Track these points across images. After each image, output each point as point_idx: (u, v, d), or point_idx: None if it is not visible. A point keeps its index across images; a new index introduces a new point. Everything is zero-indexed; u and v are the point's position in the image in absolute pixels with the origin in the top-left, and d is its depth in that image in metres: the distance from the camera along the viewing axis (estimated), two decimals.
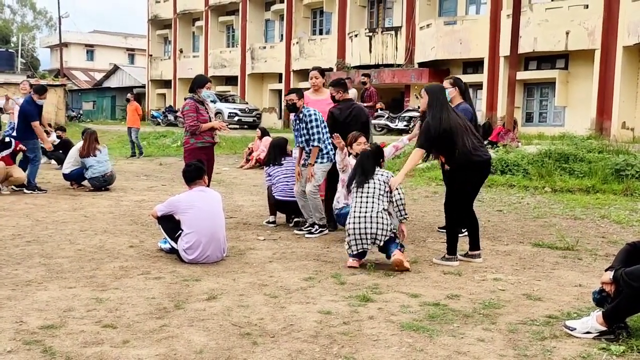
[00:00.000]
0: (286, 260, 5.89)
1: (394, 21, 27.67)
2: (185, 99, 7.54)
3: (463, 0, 24.92)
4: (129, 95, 19.62)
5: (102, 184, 10.69)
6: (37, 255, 5.89)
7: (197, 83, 7.47)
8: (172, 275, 5.24)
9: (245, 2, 34.50)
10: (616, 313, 3.81)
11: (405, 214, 5.73)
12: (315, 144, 6.93)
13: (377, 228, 5.52)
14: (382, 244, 5.57)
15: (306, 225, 7.24)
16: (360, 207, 5.62)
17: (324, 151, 7.02)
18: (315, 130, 6.93)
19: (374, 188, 5.68)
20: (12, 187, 10.13)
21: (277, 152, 7.77)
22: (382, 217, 5.55)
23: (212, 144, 7.54)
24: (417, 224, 7.87)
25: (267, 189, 7.89)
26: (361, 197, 5.68)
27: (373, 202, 5.61)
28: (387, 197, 5.67)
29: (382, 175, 5.76)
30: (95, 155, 10.63)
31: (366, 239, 5.55)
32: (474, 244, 5.99)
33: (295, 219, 7.67)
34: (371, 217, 5.55)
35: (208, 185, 7.37)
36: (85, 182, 10.97)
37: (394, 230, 5.61)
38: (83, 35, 64.33)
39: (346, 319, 4.18)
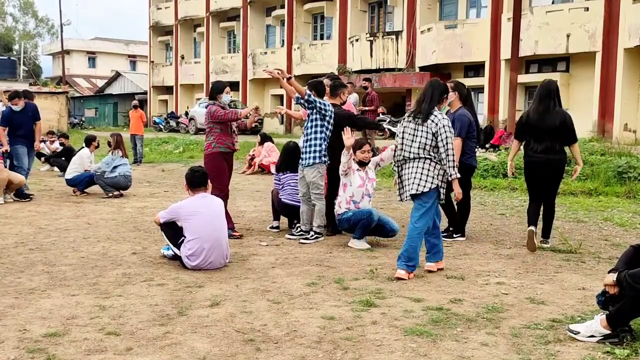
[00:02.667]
0: (289, 265, 5.89)
1: (394, 25, 27.70)
2: (207, 107, 7.49)
3: (463, 3, 24.95)
4: (134, 102, 19.62)
5: (127, 183, 10.82)
6: (40, 263, 5.90)
7: (217, 89, 7.37)
8: (175, 282, 5.24)
9: (246, 7, 34.59)
10: (620, 316, 3.80)
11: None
12: (299, 99, 6.90)
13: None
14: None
15: (297, 230, 7.23)
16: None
17: (321, 153, 7.00)
18: (326, 116, 6.93)
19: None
20: (14, 197, 10.11)
21: (291, 158, 7.63)
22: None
23: (233, 150, 7.43)
24: None
25: (272, 193, 7.88)
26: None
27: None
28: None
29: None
30: (127, 157, 11.00)
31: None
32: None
33: (298, 225, 7.66)
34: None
35: (228, 193, 7.35)
36: (89, 189, 11.01)
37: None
38: (85, 43, 64.51)
39: (349, 324, 4.17)
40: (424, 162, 5.44)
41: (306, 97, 6.87)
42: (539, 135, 6.44)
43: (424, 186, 5.40)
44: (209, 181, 6.04)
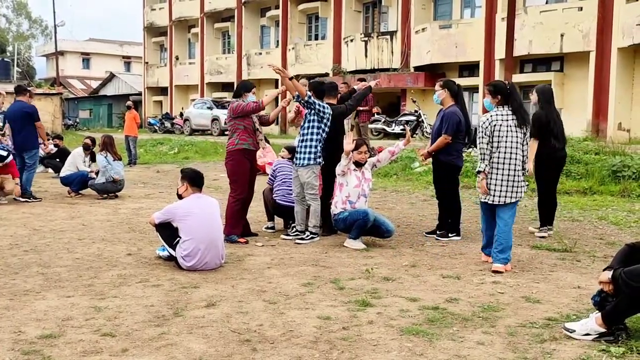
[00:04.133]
0: (285, 266, 5.89)
1: (389, 26, 27.71)
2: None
3: (458, 3, 24.98)
4: (129, 103, 19.54)
5: (117, 187, 10.79)
6: (35, 264, 5.88)
7: (244, 88, 7.25)
8: (170, 283, 5.23)
9: (240, 8, 34.55)
10: (615, 314, 3.82)
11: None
12: (299, 98, 6.91)
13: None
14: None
15: (293, 231, 7.23)
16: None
17: (317, 154, 7.00)
18: (323, 119, 6.97)
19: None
20: (15, 196, 10.06)
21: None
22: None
23: (256, 148, 7.25)
24: (415, 228, 7.87)
25: (263, 194, 7.86)
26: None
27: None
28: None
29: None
30: (120, 158, 10.94)
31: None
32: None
33: (294, 225, 7.65)
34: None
35: (252, 192, 7.26)
36: (83, 191, 10.98)
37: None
38: (79, 44, 64.32)
39: (345, 324, 4.17)
40: (521, 166, 5.79)
41: (306, 98, 6.86)
42: (557, 134, 7.18)
43: (525, 191, 5.86)
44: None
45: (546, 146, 7.11)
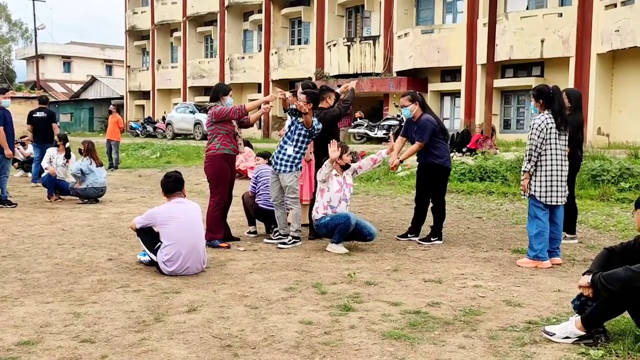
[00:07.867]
0: (266, 270, 5.87)
1: (372, 30, 27.84)
2: (209, 108, 7.32)
3: (440, 9, 25.17)
4: (111, 107, 19.34)
5: (97, 194, 10.68)
6: (13, 270, 5.80)
7: (222, 91, 7.17)
8: (151, 288, 5.19)
9: (223, 12, 34.49)
10: (594, 317, 3.85)
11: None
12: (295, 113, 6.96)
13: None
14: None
15: (276, 234, 7.22)
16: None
17: (299, 161, 7.03)
18: (313, 134, 7.06)
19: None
20: None
21: None
22: None
23: (236, 153, 7.20)
24: (398, 232, 7.88)
25: (243, 198, 7.82)
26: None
27: None
28: None
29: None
30: (101, 164, 10.82)
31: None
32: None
33: (276, 229, 7.63)
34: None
35: (230, 196, 7.24)
36: (64, 196, 10.86)
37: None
38: (59, 47, 63.75)
39: (327, 329, 4.17)
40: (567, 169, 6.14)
41: (311, 128, 6.96)
42: (582, 144, 7.20)
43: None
44: (184, 186, 5.98)
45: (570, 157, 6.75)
